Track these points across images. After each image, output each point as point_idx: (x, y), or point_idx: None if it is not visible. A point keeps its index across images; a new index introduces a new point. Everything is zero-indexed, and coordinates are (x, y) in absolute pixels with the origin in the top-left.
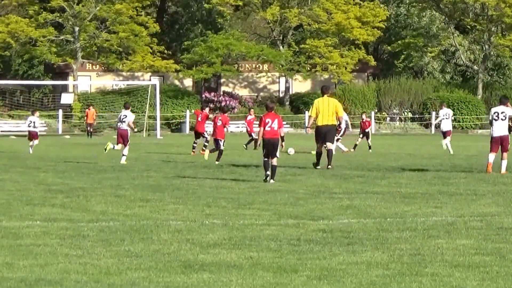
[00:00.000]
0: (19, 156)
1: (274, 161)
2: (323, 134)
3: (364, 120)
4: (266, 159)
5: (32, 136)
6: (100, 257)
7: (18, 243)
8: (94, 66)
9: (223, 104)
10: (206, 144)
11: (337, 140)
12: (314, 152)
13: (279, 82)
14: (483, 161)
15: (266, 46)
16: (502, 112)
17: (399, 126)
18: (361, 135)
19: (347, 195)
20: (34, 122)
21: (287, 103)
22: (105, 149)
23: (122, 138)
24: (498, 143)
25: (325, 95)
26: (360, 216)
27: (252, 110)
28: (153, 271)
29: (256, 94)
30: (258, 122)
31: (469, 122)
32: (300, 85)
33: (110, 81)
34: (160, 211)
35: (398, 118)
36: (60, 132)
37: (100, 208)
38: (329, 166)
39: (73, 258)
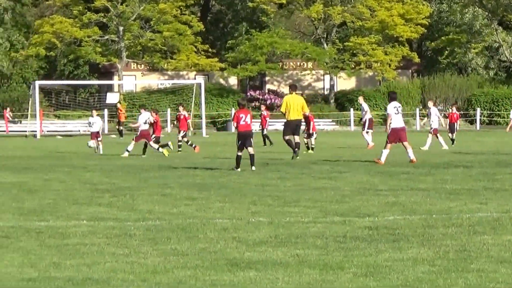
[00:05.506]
0: (65, 156)
1: (251, 150)
2: (294, 127)
3: (452, 113)
4: (240, 152)
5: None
6: (147, 256)
7: (65, 243)
8: (139, 66)
9: (268, 102)
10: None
11: (366, 132)
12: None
13: (323, 80)
14: None
15: (310, 44)
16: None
17: (444, 123)
18: (449, 131)
19: (392, 192)
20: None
21: (332, 100)
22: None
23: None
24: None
25: (293, 93)
26: (406, 212)
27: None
28: (200, 269)
29: (301, 92)
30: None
31: None
32: (345, 82)
33: (155, 81)
34: (206, 210)
35: (442, 114)
36: (106, 131)
37: (146, 207)
38: (297, 157)
39: (120, 257)
